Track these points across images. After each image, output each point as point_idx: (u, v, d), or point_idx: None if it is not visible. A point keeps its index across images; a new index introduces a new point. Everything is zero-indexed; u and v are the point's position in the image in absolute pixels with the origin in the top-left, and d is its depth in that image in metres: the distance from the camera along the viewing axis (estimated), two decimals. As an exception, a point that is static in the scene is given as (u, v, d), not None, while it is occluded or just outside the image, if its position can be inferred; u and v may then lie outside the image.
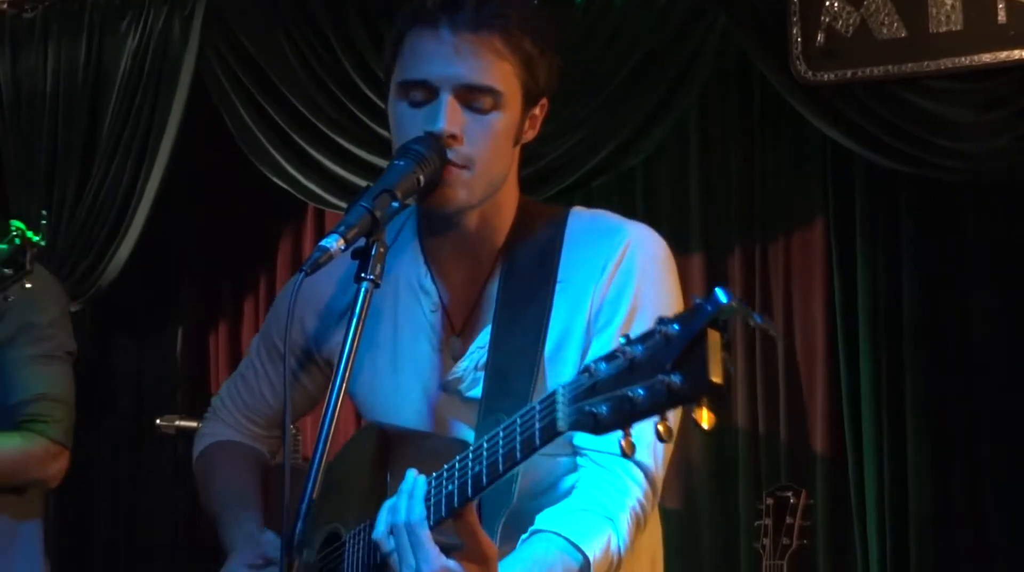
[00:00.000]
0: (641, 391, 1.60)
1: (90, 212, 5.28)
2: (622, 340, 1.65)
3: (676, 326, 1.58)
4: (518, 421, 1.79)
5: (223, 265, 5.64)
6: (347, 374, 1.93)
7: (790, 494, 4.02)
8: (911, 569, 4.24)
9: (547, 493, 2.16)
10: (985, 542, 4.24)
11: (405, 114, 2.16)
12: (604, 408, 1.64)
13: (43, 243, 3.25)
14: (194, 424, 4.95)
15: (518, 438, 1.79)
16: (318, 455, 1.90)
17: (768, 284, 4.60)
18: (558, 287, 2.19)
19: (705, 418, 1.57)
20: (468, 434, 2.19)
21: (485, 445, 1.85)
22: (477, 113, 2.13)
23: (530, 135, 2.25)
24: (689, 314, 1.58)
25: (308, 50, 5.03)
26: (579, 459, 2.16)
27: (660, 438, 1.61)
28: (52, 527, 5.50)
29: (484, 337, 2.22)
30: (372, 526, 2.04)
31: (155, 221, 5.24)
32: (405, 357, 2.30)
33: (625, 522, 2.08)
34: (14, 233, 3.22)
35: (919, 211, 4.36)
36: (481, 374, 2.20)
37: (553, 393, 1.73)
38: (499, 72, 2.12)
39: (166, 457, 5.49)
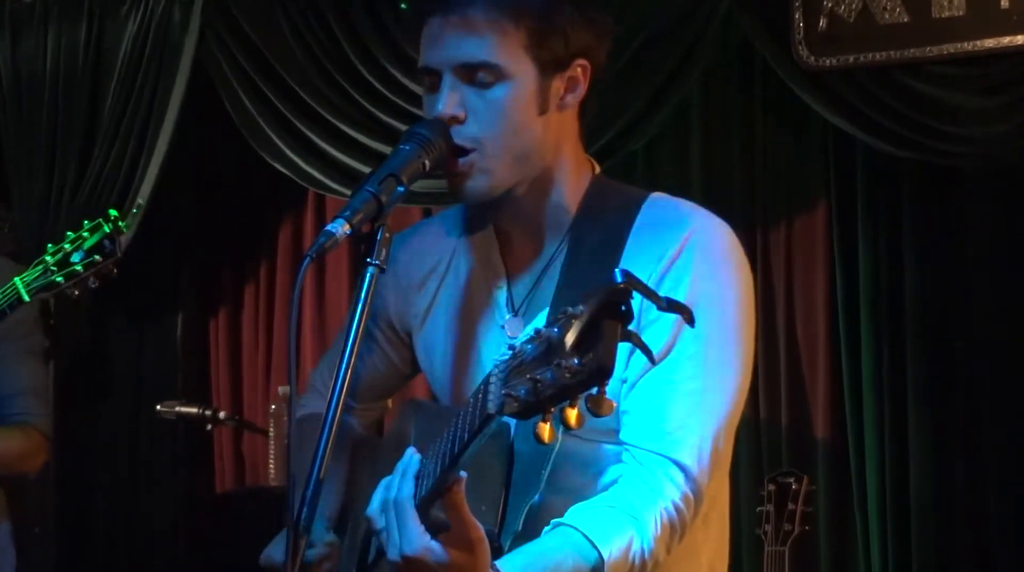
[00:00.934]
0: (549, 374, 1.56)
1: (90, 197, 5.27)
2: (552, 318, 1.62)
3: (580, 308, 1.55)
4: (471, 402, 1.76)
5: (223, 251, 5.63)
6: (353, 357, 1.91)
7: (792, 480, 4.02)
8: (912, 555, 4.25)
9: (584, 485, 2.09)
10: (986, 528, 4.24)
11: (425, 102, 2.17)
12: (523, 390, 1.59)
13: (127, 230, 3.27)
14: (194, 410, 4.96)
15: (467, 422, 1.76)
16: (324, 438, 1.88)
17: (769, 269, 4.59)
18: None
19: (546, 432, 1.57)
20: None
21: (455, 425, 1.82)
22: (481, 88, 2.11)
23: (572, 100, 2.19)
24: (589, 295, 1.55)
25: (309, 35, 5.02)
26: (623, 455, 2.09)
27: (566, 425, 1.57)
28: (51, 513, 5.52)
29: (541, 319, 2.19)
30: None
31: (155, 206, 5.23)
32: (471, 333, 2.28)
33: (652, 523, 2.00)
34: (101, 220, 3.25)
35: (921, 197, 4.35)
36: None
37: (489, 374, 1.69)
38: (498, 44, 2.10)
39: (166, 443, 5.49)
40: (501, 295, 2.26)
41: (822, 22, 4.27)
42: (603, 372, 1.51)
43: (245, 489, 5.44)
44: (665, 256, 2.11)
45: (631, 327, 1.69)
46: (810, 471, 4.23)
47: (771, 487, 4.02)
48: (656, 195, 2.25)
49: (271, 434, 5.05)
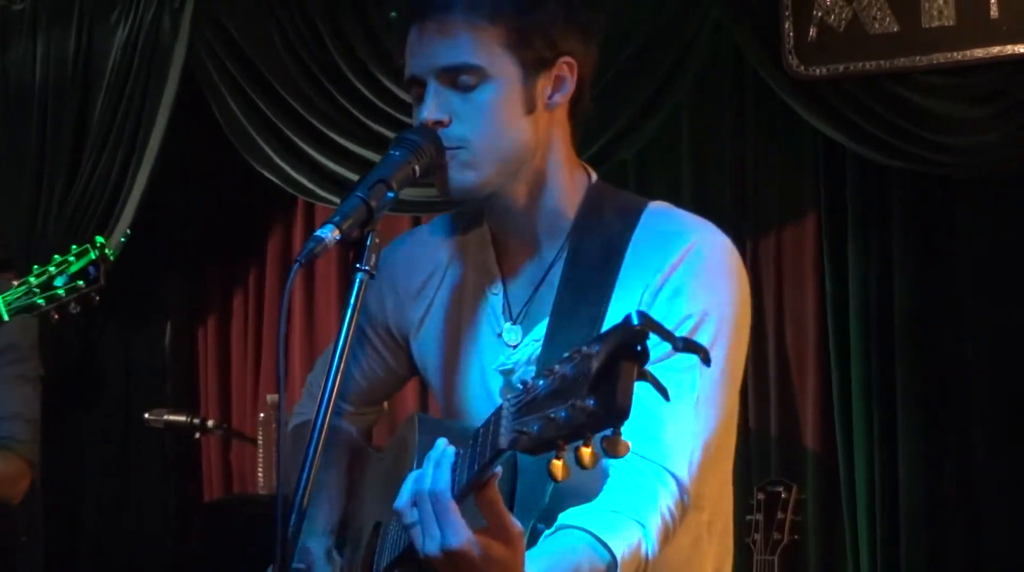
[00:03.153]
0: (563, 413, 1.55)
1: (79, 204, 5.26)
2: (565, 356, 1.60)
3: (597, 347, 1.54)
4: (480, 432, 1.75)
5: (212, 259, 5.62)
6: (342, 363, 1.90)
7: (781, 489, 4.01)
8: (902, 564, 4.25)
9: (588, 498, 2.06)
10: (976, 537, 4.24)
11: (415, 110, 2.16)
12: (535, 427, 1.58)
13: (113, 258, 3.27)
14: (182, 418, 4.94)
15: (477, 452, 1.75)
16: (313, 444, 1.87)
17: (759, 278, 4.59)
18: (617, 285, 2.13)
19: (588, 457, 1.55)
20: None
21: (462, 455, 1.81)
22: (464, 91, 2.10)
23: (560, 98, 2.17)
24: (607, 335, 1.54)
25: (299, 43, 5.01)
26: (611, 461, 2.10)
27: (581, 465, 1.56)
28: (39, 521, 5.50)
29: (540, 330, 2.19)
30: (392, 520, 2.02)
31: (144, 213, 5.22)
32: (468, 340, 2.28)
33: (655, 528, 1.99)
34: (88, 246, 3.24)
35: (911, 206, 4.36)
36: (533, 368, 2.17)
37: (499, 408, 1.68)
38: (476, 46, 2.09)
39: (154, 451, 5.48)
40: (498, 302, 2.26)
41: (812, 31, 4.28)
42: (619, 414, 1.51)
43: (233, 497, 5.42)
44: (664, 267, 2.10)
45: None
46: (800, 480, 4.23)
47: (760, 496, 4.02)
48: (656, 204, 2.24)
49: (259, 442, 5.03)
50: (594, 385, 1.52)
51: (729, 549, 2.29)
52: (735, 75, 4.63)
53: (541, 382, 1.60)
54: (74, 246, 3.31)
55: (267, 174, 5.09)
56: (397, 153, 2.04)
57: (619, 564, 1.93)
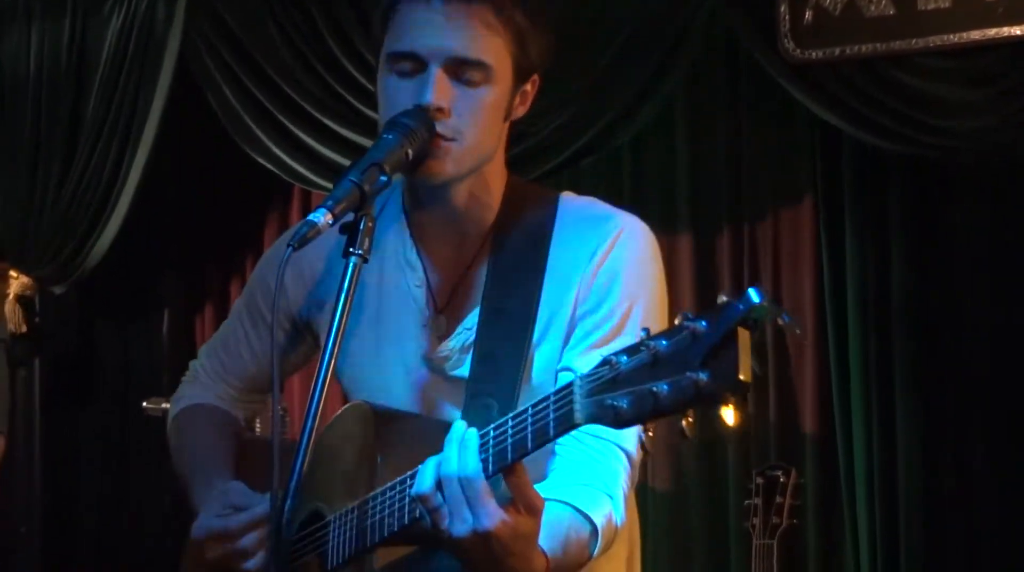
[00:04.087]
0: (666, 387, 1.57)
1: (74, 195, 5.26)
2: (643, 333, 1.63)
3: (704, 323, 1.56)
4: (530, 410, 1.78)
5: (209, 247, 5.61)
6: (336, 350, 1.91)
7: (780, 473, 4.02)
8: (901, 548, 4.25)
9: (536, 479, 2.08)
10: (974, 522, 4.24)
11: (393, 86, 2.13)
12: (625, 402, 1.62)
13: None
14: (181, 407, 4.94)
15: (529, 428, 1.78)
16: (306, 434, 1.87)
17: (756, 263, 4.59)
18: (547, 271, 2.18)
19: (732, 416, 1.58)
20: (453, 413, 2.17)
21: (492, 433, 1.83)
22: (467, 86, 2.10)
23: (520, 112, 2.23)
24: (719, 311, 1.56)
25: (294, 30, 5.00)
26: (566, 438, 2.07)
27: (683, 435, 1.60)
28: (38, 511, 5.51)
29: (472, 319, 2.21)
30: (360, 508, 2.02)
31: (140, 203, 5.21)
32: (389, 332, 2.28)
33: (621, 498, 2.08)
34: None
35: (907, 189, 4.35)
36: (468, 356, 2.19)
37: (570, 385, 1.71)
38: (490, 46, 2.10)
39: (152, 440, 5.47)
40: (420, 293, 2.26)
41: (808, 15, 4.27)
42: (741, 386, 1.54)
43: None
44: (597, 253, 2.16)
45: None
46: (798, 464, 4.23)
47: (759, 480, 4.03)
48: (568, 194, 2.30)
49: (257, 430, 5.02)
50: (708, 358, 1.55)
51: (636, 521, 2.36)
52: (731, 60, 4.63)
53: (625, 358, 1.63)
54: None
55: (263, 162, 5.08)
56: (390, 136, 2.03)
57: (600, 532, 2.01)
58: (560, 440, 2.09)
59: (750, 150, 4.63)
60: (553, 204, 2.25)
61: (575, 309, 2.16)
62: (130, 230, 5.25)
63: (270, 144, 5.06)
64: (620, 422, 1.64)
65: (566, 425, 1.72)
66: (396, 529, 1.96)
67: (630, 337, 2.06)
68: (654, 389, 1.59)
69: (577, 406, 1.69)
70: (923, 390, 4.29)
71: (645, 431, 1.65)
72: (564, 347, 2.16)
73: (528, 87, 2.21)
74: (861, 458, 4.32)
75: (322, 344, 1.94)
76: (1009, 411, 4.23)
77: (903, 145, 4.22)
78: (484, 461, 1.83)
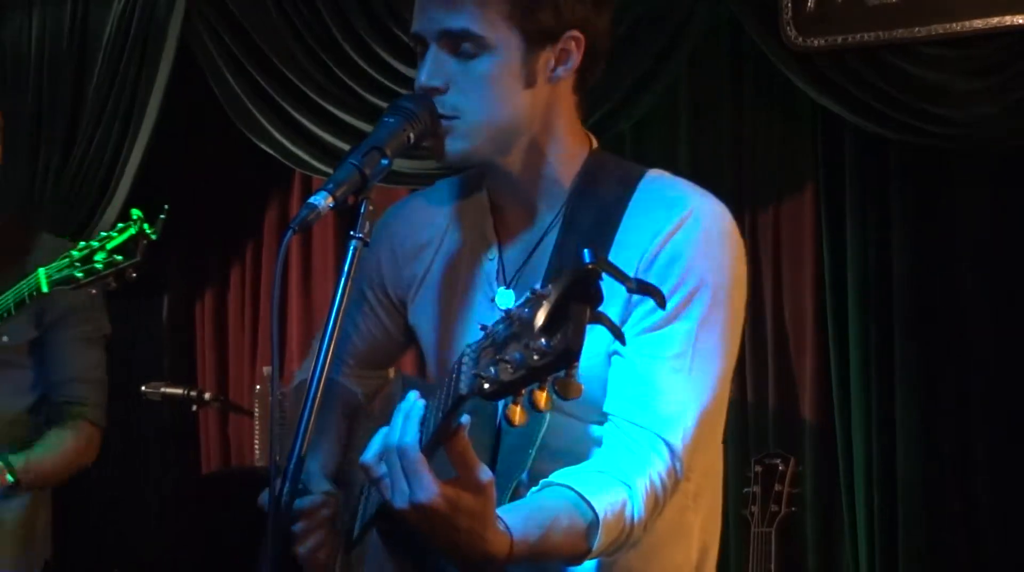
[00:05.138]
0: (518, 355, 1.54)
1: (75, 177, 5.25)
2: (521, 299, 1.59)
3: (549, 288, 1.53)
4: (445, 381, 1.74)
5: (209, 232, 5.61)
6: (335, 329, 1.89)
7: (779, 461, 4.02)
8: (899, 536, 4.25)
9: (573, 460, 2.05)
10: (973, 509, 4.24)
11: (417, 68, 2.14)
12: (493, 371, 1.57)
13: (155, 237, 3.29)
14: (179, 391, 4.94)
15: (441, 401, 1.75)
16: (306, 412, 1.87)
17: (757, 251, 4.58)
18: (612, 251, 2.11)
19: (517, 414, 1.56)
20: None
21: (430, 407, 1.80)
22: (464, 60, 2.08)
23: (564, 73, 2.14)
24: (558, 276, 1.53)
25: (295, 15, 4.99)
26: (606, 424, 2.08)
27: (536, 408, 1.56)
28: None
29: None
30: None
31: (140, 188, 5.21)
32: (461, 303, 2.27)
33: (643, 491, 1.98)
34: (131, 222, 3.27)
35: (909, 178, 4.34)
36: None
37: (461, 354, 1.67)
38: (477, 14, 2.06)
39: (151, 424, 5.48)
40: (492, 267, 2.24)
41: (810, 2, 4.26)
42: (570, 355, 1.50)
43: (231, 469, 5.43)
44: (661, 233, 2.08)
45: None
46: (797, 452, 4.23)
47: (758, 468, 4.03)
48: (655, 172, 2.22)
49: (256, 415, 5.03)
50: (546, 326, 1.52)
51: (717, 525, 2.28)
52: (733, 47, 4.62)
53: (500, 327, 1.60)
54: (120, 223, 3.34)
55: (264, 147, 5.07)
56: (391, 120, 2.03)
57: (601, 522, 1.92)
58: (607, 424, 2.05)
59: (752, 138, 4.62)
60: (634, 181, 2.18)
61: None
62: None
63: (271, 129, 5.05)
64: (490, 393, 1.58)
65: (456, 397, 1.67)
66: (380, 502, 1.93)
67: (687, 323, 2.06)
68: (507, 358, 1.55)
69: (463, 378, 1.65)
70: (923, 378, 4.29)
71: (538, 389, 1.56)
72: (620, 327, 2.11)
73: (566, 45, 2.12)
74: (860, 446, 4.32)
75: (324, 325, 1.91)
76: (1009, 400, 4.22)
77: (905, 133, 4.21)
78: (422, 433, 1.78)
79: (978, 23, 4.09)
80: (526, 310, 1.54)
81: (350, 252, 1.92)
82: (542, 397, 1.56)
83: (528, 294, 1.56)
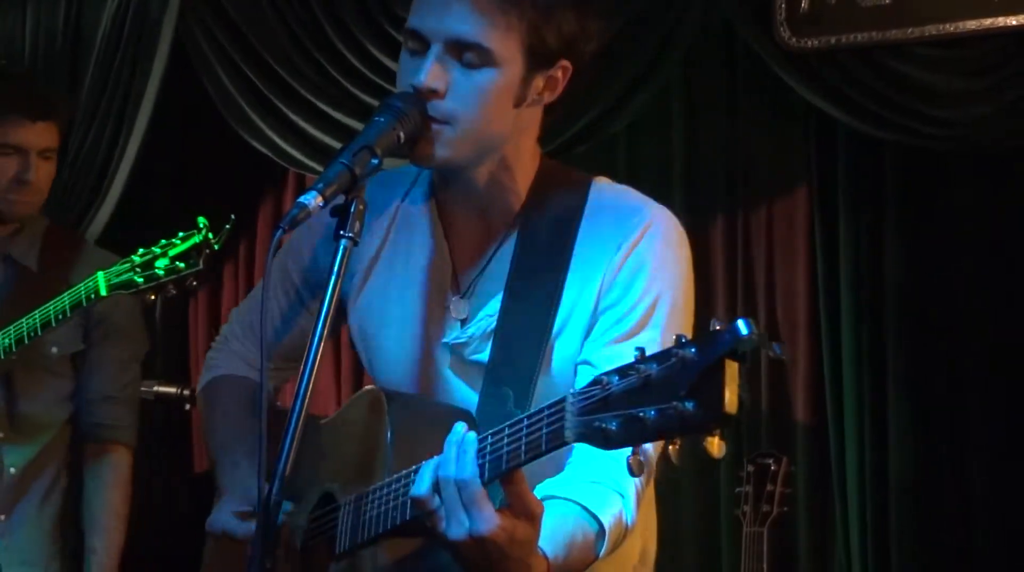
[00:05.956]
0: (653, 413, 1.57)
1: (68, 178, 5.23)
2: (635, 353, 1.62)
3: (693, 350, 1.55)
4: (525, 422, 1.77)
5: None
6: (325, 330, 1.90)
7: (771, 461, 4.02)
8: (891, 537, 4.25)
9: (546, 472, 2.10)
10: (965, 511, 4.24)
11: (404, 63, 2.15)
12: (614, 424, 1.61)
13: (217, 247, 3.30)
14: (173, 390, 4.93)
15: (523, 440, 1.77)
16: (295, 414, 1.87)
17: (750, 252, 4.58)
18: (573, 260, 2.16)
19: (716, 447, 1.56)
20: (469, 395, 2.18)
21: (490, 440, 1.82)
22: (466, 68, 2.09)
23: (548, 98, 2.19)
24: (708, 340, 1.54)
25: (289, 14, 4.99)
26: None
27: (670, 460, 1.60)
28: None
29: (494, 305, 2.20)
30: (368, 497, 2.02)
31: (134, 187, 5.20)
32: (410, 311, 2.28)
33: (632, 497, 2.05)
34: (195, 229, 3.28)
35: (902, 179, 4.35)
36: (488, 343, 2.18)
37: (562, 401, 1.70)
38: (493, 29, 2.07)
39: (144, 423, 5.46)
40: (444, 276, 2.26)
41: (804, 3, 4.26)
42: (725, 419, 1.52)
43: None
44: (625, 244, 2.15)
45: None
46: (790, 452, 4.24)
47: (750, 468, 4.03)
48: (601, 180, 2.28)
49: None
50: (695, 387, 1.53)
51: (654, 521, 2.37)
52: (726, 48, 4.62)
53: (616, 379, 1.62)
54: (182, 232, 3.36)
55: (257, 146, 5.07)
56: (382, 119, 2.03)
57: (607, 533, 1.99)
58: None
59: (745, 139, 4.62)
60: (584, 191, 2.23)
61: (598, 301, 2.14)
62: (124, 213, 5.23)
63: (265, 128, 5.05)
64: (609, 444, 1.63)
65: (557, 442, 1.71)
66: (399, 523, 1.96)
67: (653, 332, 2.11)
68: (641, 414, 1.58)
69: (568, 424, 1.68)
70: (915, 379, 4.29)
71: (670, 444, 1.61)
72: (585, 339, 2.14)
73: (558, 73, 2.17)
74: (853, 447, 4.32)
75: (313, 326, 1.92)
76: (1002, 402, 4.23)
77: (898, 134, 4.22)
78: (480, 467, 1.82)
79: (971, 24, 4.09)
80: (654, 367, 1.58)
81: (340, 252, 1.93)
82: (673, 452, 1.61)
83: (659, 353, 1.58)
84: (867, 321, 4.34)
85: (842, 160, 4.41)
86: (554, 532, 1.94)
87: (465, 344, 2.22)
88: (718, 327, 1.54)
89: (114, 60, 5.20)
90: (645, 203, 2.23)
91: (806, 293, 4.50)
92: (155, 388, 4.94)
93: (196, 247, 3.28)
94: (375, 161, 1.97)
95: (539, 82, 2.16)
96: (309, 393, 1.88)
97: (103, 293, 3.34)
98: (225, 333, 2.60)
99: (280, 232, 1.89)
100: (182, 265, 3.28)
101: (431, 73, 2.08)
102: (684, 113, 4.71)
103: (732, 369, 1.52)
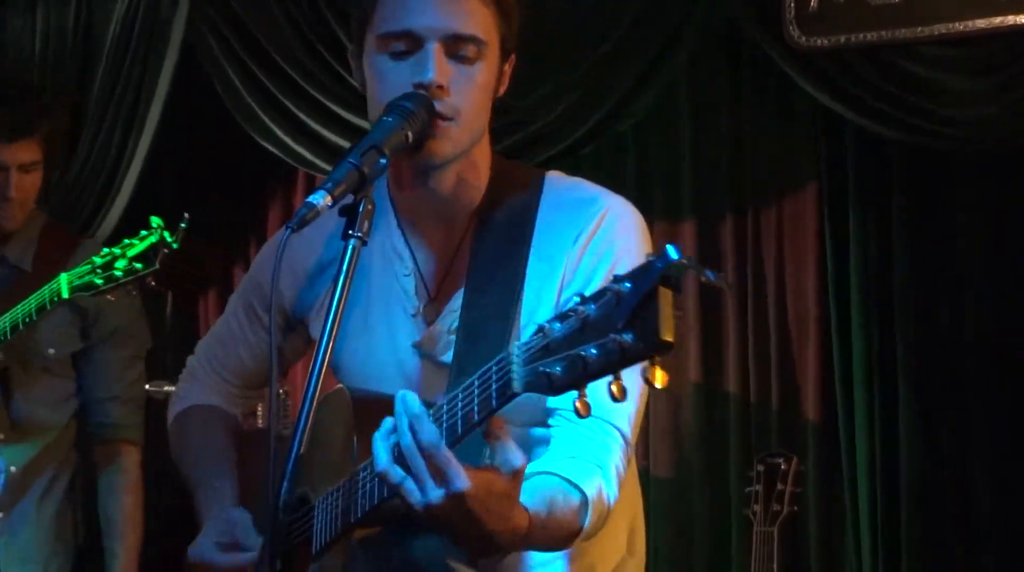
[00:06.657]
0: (594, 350, 1.57)
1: (79, 177, 5.25)
2: (576, 299, 1.62)
3: (628, 284, 1.55)
4: (476, 382, 1.76)
5: (213, 230, 5.60)
6: (334, 335, 1.91)
7: (781, 460, 4.02)
8: (901, 535, 4.24)
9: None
10: (975, 508, 4.24)
11: (388, 67, 2.14)
12: (558, 368, 1.61)
13: (176, 246, 3.32)
14: (183, 389, 4.94)
15: (476, 399, 1.76)
16: (303, 419, 1.88)
17: (760, 250, 4.58)
18: (532, 253, 2.18)
19: (658, 377, 1.55)
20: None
21: (445, 407, 1.82)
22: (462, 63, 2.12)
23: (500, 91, 2.24)
24: (640, 271, 1.55)
25: (298, 14, 5.00)
26: (552, 420, 2.14)
27: (614, 398, 1.58)
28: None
29: (457, 301, 2.22)
30: (338, 492, 2.03)
31: (144, 186, 5.21)
32: (379, 322, 2.29)
33: (613, 474, 2.06)
34: (152, 229, 3.30)
35: (911, 178, 4.34)
36: (454, 338, 2.19)
37: (508, 353, 1.70)
38: (483, 21, 2.12)
39: (153, 423, 5.47)
40: (410, 283, 2.27)
41: (813, 2, 4.26)
42: (662, 345, 1.52)
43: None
44: (583, 234, 2.17)
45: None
46: (800, 452, 4.23)
47: (760, 467, 4.03)
48: (554, 174, 2.30)
49: (259, 414, 5.03)
50: (631, 318, 1.54)
51: (640, 506, 2.38)
52: (734, 47, 4.61)
53: (558, 325, 1.63)
54: (143, 231, 3.37)
55: (268, 146, 5.08)
56: (390, 119, 2.04)
57: (590, 502, 1.98)
58: (553, 420, 2.10)
59: (754, 137, 4.61)
60: (539, 184, 2.26)
61: (560, 290, 2.16)
62: (134, 212, 5.24)
63: (274, 127, 5.06)
64: (554, 388, 1.62)
65: (506, 394, 1.70)
66: (368, 509, 1.96)
67: None
68: (583, 353, 1.58)
69: (515, 375, 1.68)
70: (925, 377, 4.28)
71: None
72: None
73: (507, 67, 2.23)
74: (863, 446, 4.32)
75: (317, 336, 1.93)
76: (1010, 399, 4.22)
77: (907, 133, 4.21)
78: (450, 427, 1.82)
79: (980, 23, 4.09)
80: (591, 307, 1.58)
81: (348, 252, 1.93)
82: (616, 389, 1.59)
83: (592, 293, 1.59)
84: (876, 320, 4.34)
85: (850, 159, 4.41)
86: (534, 492, 1.93)
87: (434, 342, 2.23)
88: (649, 258, 1.55)
89: (124, 61, 5.21)
90: (600, 193, 2.25)
91: (815, 292, 4.49)
92: (165, 387, 4.94)
93: (153, 247, 3.30)
94: (383, 161, 1.97)
95: (504, 75, 2.22)
96: (316, 399, 1.89)
97: (65, 295, 3.36)
98: (191, 365, 2.64)
99: (289, 231, 1.89)
100: (139, 266, 3.30)
101: (439, 70, 2.09)
102: (692, 112, 4.71)
103: (666, 296, 1.52)
